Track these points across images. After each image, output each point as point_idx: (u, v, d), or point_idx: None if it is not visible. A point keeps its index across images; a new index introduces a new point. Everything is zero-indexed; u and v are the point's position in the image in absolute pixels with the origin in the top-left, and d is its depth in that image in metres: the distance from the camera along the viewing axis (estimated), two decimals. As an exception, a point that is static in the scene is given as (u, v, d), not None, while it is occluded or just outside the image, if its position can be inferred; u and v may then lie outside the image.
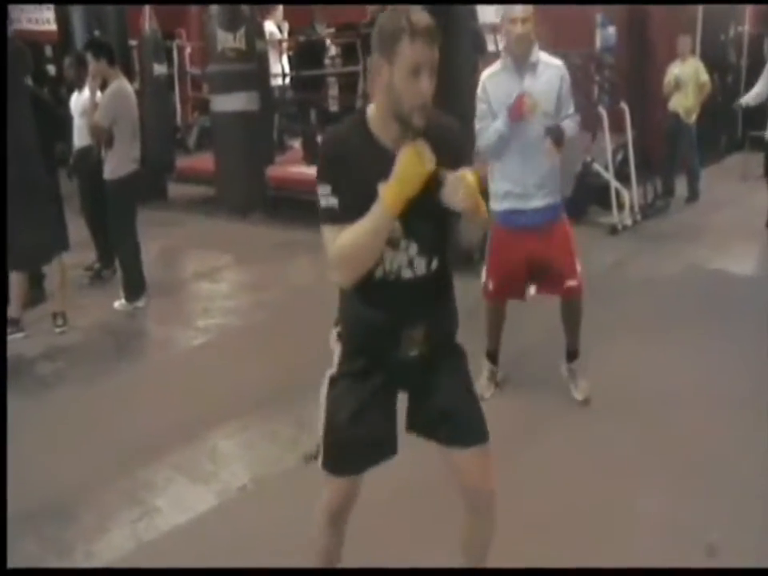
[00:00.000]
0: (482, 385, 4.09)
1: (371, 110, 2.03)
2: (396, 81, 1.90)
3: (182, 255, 7.72)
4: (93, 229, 6.38)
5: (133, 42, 9.36)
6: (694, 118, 8.57)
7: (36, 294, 5.67)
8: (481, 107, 3.79)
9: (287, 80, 10.42)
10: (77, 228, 6.10)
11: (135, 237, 5.73)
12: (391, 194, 1.89)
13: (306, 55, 9.75)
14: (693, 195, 8.76)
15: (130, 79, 7.38)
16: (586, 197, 7.58)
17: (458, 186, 1.88)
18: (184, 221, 8.50)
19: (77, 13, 8.61)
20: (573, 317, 3.99)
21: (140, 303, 5.72)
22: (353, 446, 2.18)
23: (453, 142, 2.05)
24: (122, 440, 3.78)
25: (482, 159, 3.96)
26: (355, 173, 1.96)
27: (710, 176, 9.23)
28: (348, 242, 1.95)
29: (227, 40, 6.29)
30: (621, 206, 7.70)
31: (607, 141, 7.39)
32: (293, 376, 4.18)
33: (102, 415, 4.09)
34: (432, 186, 1.92)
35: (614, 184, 7.57)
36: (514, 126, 3.64)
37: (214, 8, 6.34)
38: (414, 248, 2.04)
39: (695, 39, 9.71)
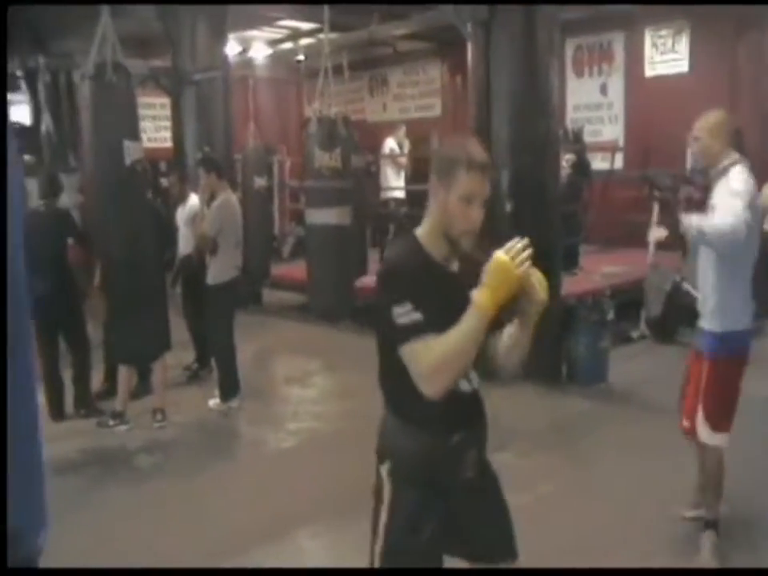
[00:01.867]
0: (704, 558, 3.56)
1: (421, 230, 2.14)
2: (450, 205, 2.04)
3: (275, 359, 7.98)
4: (193, 331, 6.71)
5: (237, 156, 10.00)
6: (790, 238, 8.47)
7: (144, 386, 5.98)
8: None
9: (401, 194, 10.74)
10: (177, 329, 6.43)
11: (232, 340, 5.98)
12: (486, 298, 1.93)
13: (421, 171, 10.12)
14: (791, 317, 8.54)
15: (233, 190, 7.89)
16: (676, 317, 7.50)
17: (538, 279, 1.98)
18: (277, 325, 8.83)
19: (189, 131, 9.35)
20: (705, 468, 3.67)
21: (234, 403, 5.92)
22: None
23: None
24: (212, 533, 3.92)
25: None
26: (424, 289, 2.01)
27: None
28: (446, 350, 1.95)
29: (323, 158, 6.67)
30: (712, 326, 7.60)
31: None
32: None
33: (194, 508, 4.24)
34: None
35: (705, 303, 7.50)
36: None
37: (313, 128, 6.80)
38: None
39: (792, 158, 9.67)
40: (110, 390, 5.90)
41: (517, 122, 6.14)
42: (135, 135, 4.87)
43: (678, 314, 7.51)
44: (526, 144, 6.09)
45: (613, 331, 6.68)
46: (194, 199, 6.38)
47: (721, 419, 3.55)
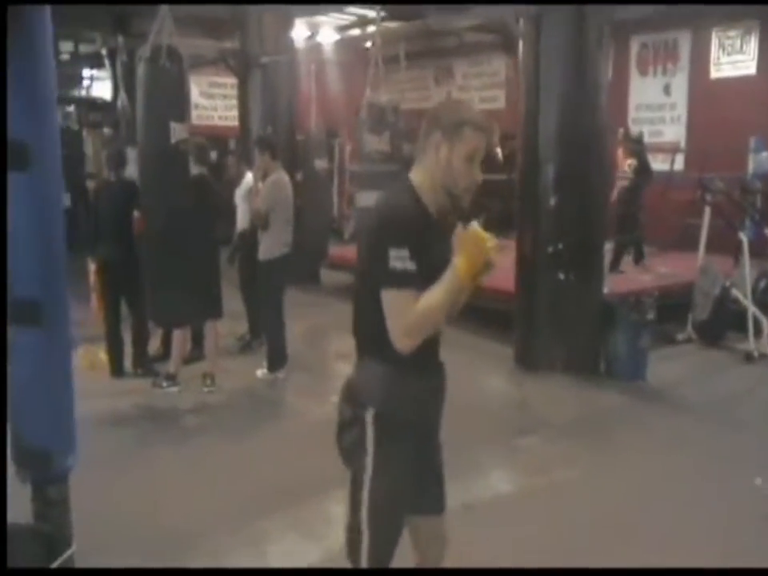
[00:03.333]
0: None
1: (417, 178, 2.19)
2: (454, 161, 2.13)
3: (326, 336, 8.21)
4: (247, 303, 7.01)
5: (300, 138, 10.27)
6: None
7: (197, 352, 6.33)
8: None
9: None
10: (234, 300, 6.78)
11: (281, 313, 6.24)
12: (465, 266, 2.03)
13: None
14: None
15: (296, 171, 8.11)
16: (723, 321, 7.51)
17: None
18: (332, 305, 9.05)
19: (255, 112, 9.69)
20: None
21: (280, 374, 6.20)
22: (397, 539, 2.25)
23: None
24: (249, 491, 4.18)
25: None
26: (421, 239, 2.07)
27: None
28: (425, 312, 2.04)
29: (373, 142, 6.86)
30: (758, 333, 7.57)
31: (746, 266, 7.36)
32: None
33: (235, 467, 4.51)
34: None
35: (752, 310, 7.47)
36: None
37: (363, 113, 7.00)
38: None
39: None
40: (165, 353, 6.26)
41: (564, 118, 6.21)
42: (182, 117, 5.15)
43: (726, 319, 7.52)
44: (572, 139, 6.17)
45: (656, 331, 6.73)
46: (249, 177, 6.67)
47: None
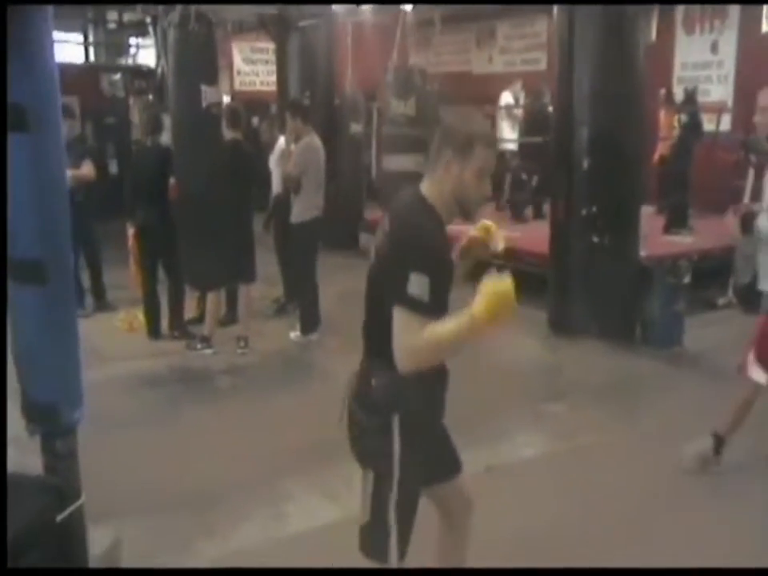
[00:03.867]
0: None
1: (428, 191, 2.22)
2: (466, 177, 2.17)
3: (360, 299, 8.21)
4: (282, 266, 7.09)
5: (338, 101, 10.21)
6: None
7: (232, 315, 6.47)
8: None
9: (514, 146, 10.43)
10: (272, 265, 6.86)
11: (314, 276, 6.30)
12: (485, 317, 1.96)
13: (530, 123, 10.06)
14: None
15: (333, 135, 8.05)
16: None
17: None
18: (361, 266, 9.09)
19: (293, 76, 9.68)
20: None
21: (313, 336, 6.28)
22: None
23: None
24: (276, 451, 4.26)
25: None
26: (440, 259, 2.13)
27: None
28: (439, 341, 2.04)
29: (399, 106, 6.79)
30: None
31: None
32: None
33: (263, 428, 4.60)
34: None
35: (801, 275, 7.27)
36: None
37: (390, 77, 6.91)
38: None
39: None
40: (201, 316, 6.36)
41: (599, 79, 6.06)
42: (212, 80, 5.16)
43: (769, 283, 7.33)
44: (607, 101, 6.02)
45: (696, 297, 6.61)
46: (281, 141, 6.70)
47: None
